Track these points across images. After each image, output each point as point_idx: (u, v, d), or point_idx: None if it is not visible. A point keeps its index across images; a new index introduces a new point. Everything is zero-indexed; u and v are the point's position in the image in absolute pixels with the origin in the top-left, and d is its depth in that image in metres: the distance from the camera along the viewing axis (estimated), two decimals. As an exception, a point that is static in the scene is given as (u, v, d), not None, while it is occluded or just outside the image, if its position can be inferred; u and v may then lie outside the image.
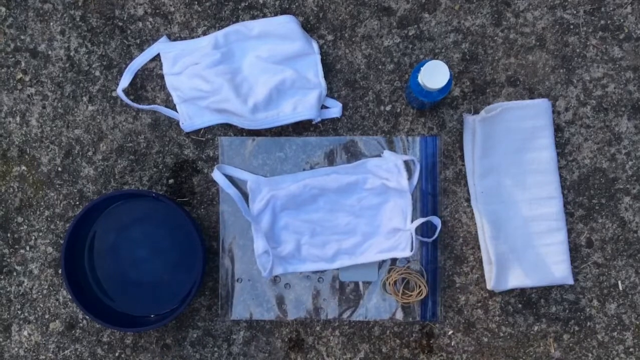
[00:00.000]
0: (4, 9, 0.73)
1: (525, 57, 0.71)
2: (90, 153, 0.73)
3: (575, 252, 0.70)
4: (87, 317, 0.70)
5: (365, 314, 0.71)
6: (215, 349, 0.71)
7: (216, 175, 0.69)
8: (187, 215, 0.66)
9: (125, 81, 0.71)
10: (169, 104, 0.72)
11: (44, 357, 0.72)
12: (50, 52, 0.73)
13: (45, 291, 0.73)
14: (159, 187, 0.73)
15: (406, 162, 0.69)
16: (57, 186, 0.73)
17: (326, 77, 0.71)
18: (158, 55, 0.72)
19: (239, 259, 0.71)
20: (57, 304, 0.72)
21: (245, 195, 0.71)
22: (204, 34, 0.72)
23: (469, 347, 0.71)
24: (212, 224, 0.72)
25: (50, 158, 0.73)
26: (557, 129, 0.71)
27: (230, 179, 0.71)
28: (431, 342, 0.71)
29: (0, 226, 0.73)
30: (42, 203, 0.73)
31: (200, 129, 0.72)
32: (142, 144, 0.72)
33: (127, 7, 0.73)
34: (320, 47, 0.71)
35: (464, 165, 0.71)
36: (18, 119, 0.73)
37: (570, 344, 0.70)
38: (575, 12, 0.71)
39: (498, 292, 0.70)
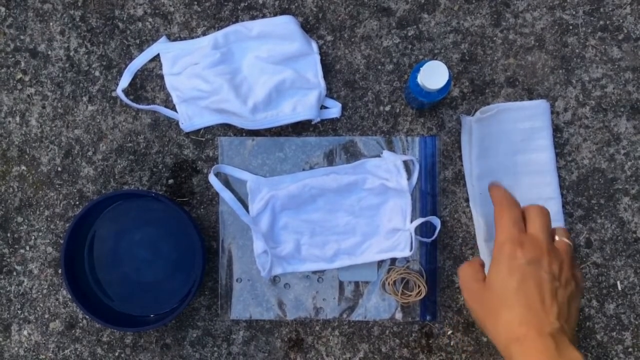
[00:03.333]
0: (3, 9, 0.73)
1: (524, 57, 0.71)
2: (90, 153, 0.73)
3: (574, 253, 0.70)
4: (87, 316, 0.70)
5: (364, 314, 0.71)
6: (215, 348, 0.72)
7: (212, 179, 0.69)
8: (187, 215, 0.66)
9: (124, 81, 0.71)
10: (169, 104, 0.72)
11: (43, 356, 0.72)
12: (50, 52, 0.73)
13: (45, 291, 0.73)
14: (159, 187, 0.73)
15: (405, 162, 0.70)
16: (57, 186, 0.73)
17: (325, 77, 0.71)
18: (158, 56, 0.72)
19: (238, 259, 0.71)
20: (57, 303, 0.73)
21: (245, 196, 0.71)
22: (204, 34, 0.72)
23: (468, 347, 0.71)
24: (211, 224, 0.72)
25: (50, 158, 0.73)
26: (556, 130, 0.71)
27: (227, 182, 0.71)
28: (430, 342, 0.71)
29: (0, 226, 0.73)
30: (42, 203, 0.73)
31: (200, 129, 0.72)
32: (141, 144, 0.73)
33: (127, 7, 0.73)
34: (320, 48, 0.71)
35: (462, 165, 0.71)
36: (18, 118, 0.73)
37: (569, 344, 0.70)
38: (574, 12, 0.71)
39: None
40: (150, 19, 0.73)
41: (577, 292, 0.54)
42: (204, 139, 0.72)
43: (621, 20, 0.71)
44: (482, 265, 0.58)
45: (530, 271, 0.52)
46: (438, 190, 0.71)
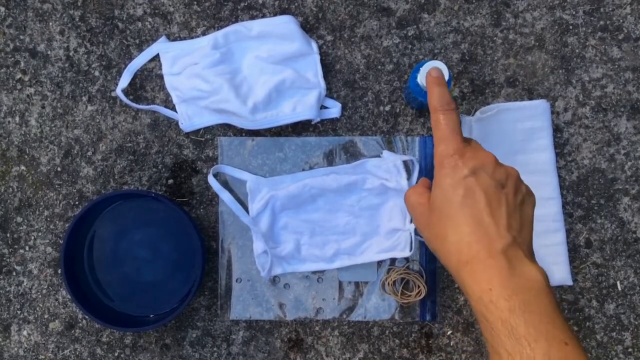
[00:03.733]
0: (3, 9, 0.73)
1: (524, 57, 0.71)
2: (89, 153, 0.73)
3: (574, 253, 0.70)
4: (87, 317, 0.70)
5: (364, 314, 0.71)
6: (215, 348, 0.72)
7: (211, 180, 0.69)
8: (187, 215, 0.66)
9: (124, 81, 0.71)
10: (169, 104, 0.72)
11: (43, 357, 0.72)
12: (49, 52, 0.73)
13: (44, 291, 0.73)
14: (159, 187, 0.73)
15: (405, 162, 0.70)
16: (57, 186, 0.73)
17: (325, 77, 0.71)
18: (157, 56, 0.72)
19: (238, 259, 0.71)
20: (57, 303, 0.73)
21: (244, 196, 0.71)
22: (204, 34, 0.72)
23: (468, 347, 0.71)
24: (211, 224, 0.72)
25: (49, 158, 0.73)
26: (556, 130, 0.71)
27: (226, 182, 0.71)
28: (430, 342, 0.71)
29: (-1, 226, 0.73)
30: (42, 203, 0.73)
31: (200, 129, 0.72)
32: (141, 144, 0.73)
33: (127, 7, 0.73)
34: (320, 47, 0.71)
35: (463, 165, 0.71)
36: (17, 118, 0.73)
37: (569, 344, 0.70)
38: (574, 12, 0.71)
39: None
40: (149, 19, 0.73)
41: (528, 196, 0.50)
42: (203, 139, 0.72)
43: (621, 20, 0.71)
44: (428, 187, 0.53)
45: (473, 181, 0.47)
46: (438, 190, 0.71)
